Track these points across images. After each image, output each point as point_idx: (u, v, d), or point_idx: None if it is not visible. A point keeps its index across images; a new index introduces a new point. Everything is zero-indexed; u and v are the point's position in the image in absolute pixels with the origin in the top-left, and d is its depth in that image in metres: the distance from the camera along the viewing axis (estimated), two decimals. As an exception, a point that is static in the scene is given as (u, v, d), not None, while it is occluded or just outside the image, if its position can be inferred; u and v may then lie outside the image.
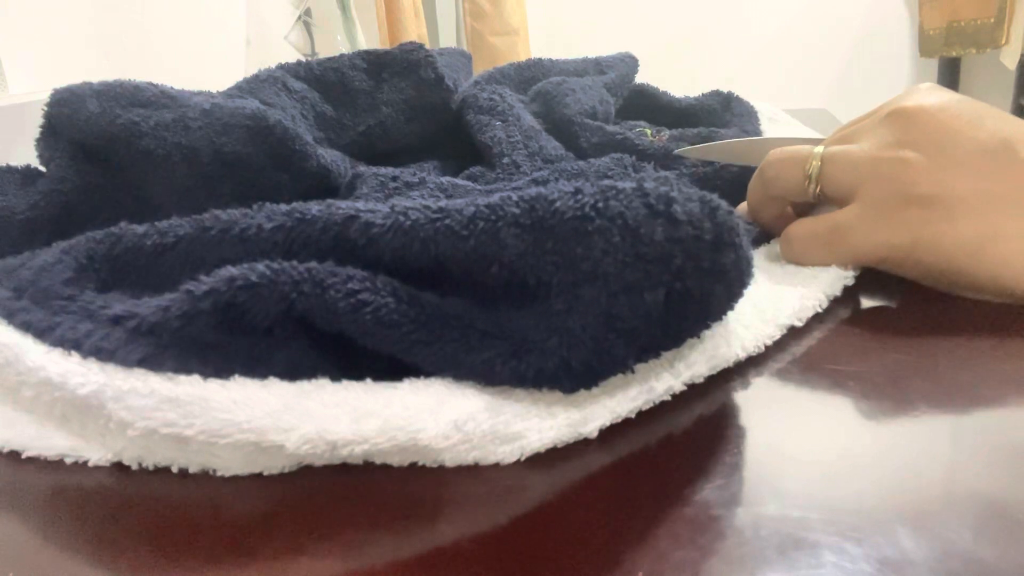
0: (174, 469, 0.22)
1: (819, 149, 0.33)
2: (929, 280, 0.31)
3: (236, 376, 0.22)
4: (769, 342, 0.28)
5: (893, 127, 0.32)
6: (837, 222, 0.32)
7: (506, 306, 0.23)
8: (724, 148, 0.46)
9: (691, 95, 0.66)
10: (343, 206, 0.24)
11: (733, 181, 0.42)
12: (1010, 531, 0.18)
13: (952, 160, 0.30)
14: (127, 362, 0.22)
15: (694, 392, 0.25)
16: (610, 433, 0.23)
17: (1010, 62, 1.70)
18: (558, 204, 0.22)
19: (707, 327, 0.24)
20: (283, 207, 0.25)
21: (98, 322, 0.23)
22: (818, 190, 0.33)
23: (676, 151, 0.49)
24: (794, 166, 0.34)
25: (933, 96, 0.32)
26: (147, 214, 0.29)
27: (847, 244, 0.32)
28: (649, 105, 0.66)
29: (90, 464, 0.23)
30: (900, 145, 0.31)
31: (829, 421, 0.24)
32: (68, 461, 0.23)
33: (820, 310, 0.31)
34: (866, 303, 0.32)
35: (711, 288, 0.22)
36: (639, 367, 0.24)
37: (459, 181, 0.42)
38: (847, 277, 0.32)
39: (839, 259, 0.32)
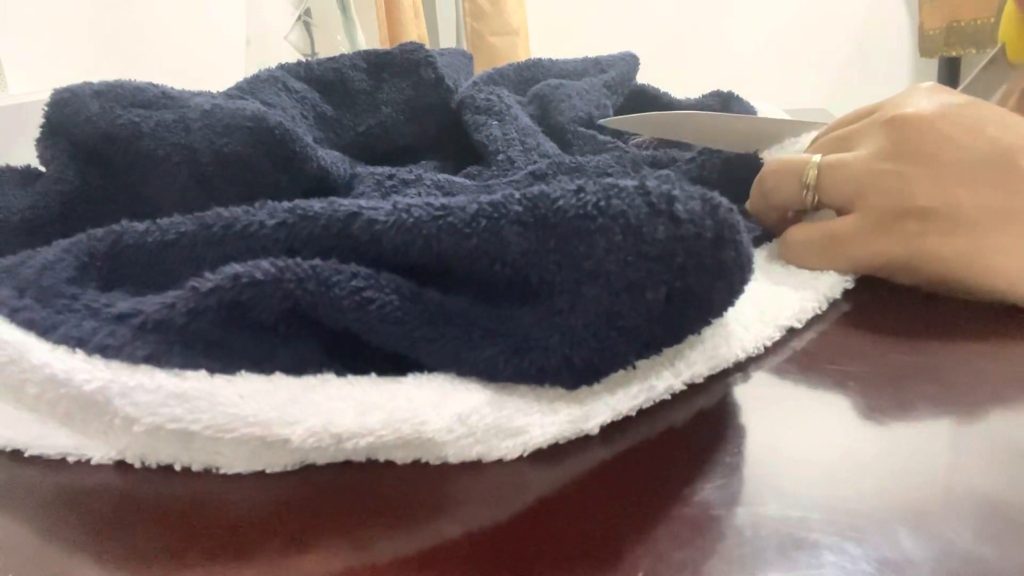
0: (177, 467, 0.22)
1: (816, 158, 0.33)
2: (925, 287, 0.31)
3: (242, 372, 0.22)
4: (769, 343, 0.28)
5: (891, 135, 0.31)
6: (834, 231, 0.32)
7: (508, 304, 0.23)
8: (655, 120, 0.46)
9: (692, 95, 0.66)
10: (345, 203, 0.24)
11: (722, 170, 0.42)
12: (1010, 531, 0.18)
13: (951, 172, 0.30)
14: (132, 359, 0.22)
15: (695, 390, 0.25)
16: (611, 430, 0.23)
17: (1009, 62, 1.70)
18: (561, 202, 0.22)
19: (708, 323, 0.24)
20: (285, 204, 0.25)
21: (102, 320, 0.23)
22: (816, 199, 0.33)
23: (600, 121, 0.49)
24: (791, 176, 0.34)
25: (933, 100, 0.32)
26: (147, 214, 0.29)
27: (844, 252, 0.32)
28: (650, 106, 0.66)
29: (93, 462, 0.23)
30: (898, 155, 0.31)
31: (829, 421, 0.24)
32: (71, 460, 0.23)
33: (820, 312, 0.31)
34: (866, 303, 0.32)
35: (712, 285, 0.22)
36: (640, 364, 0.24)
37: (456, 178, 0.43)
38: (847, 280, 0.32)
39: (835, 266, 0.32)
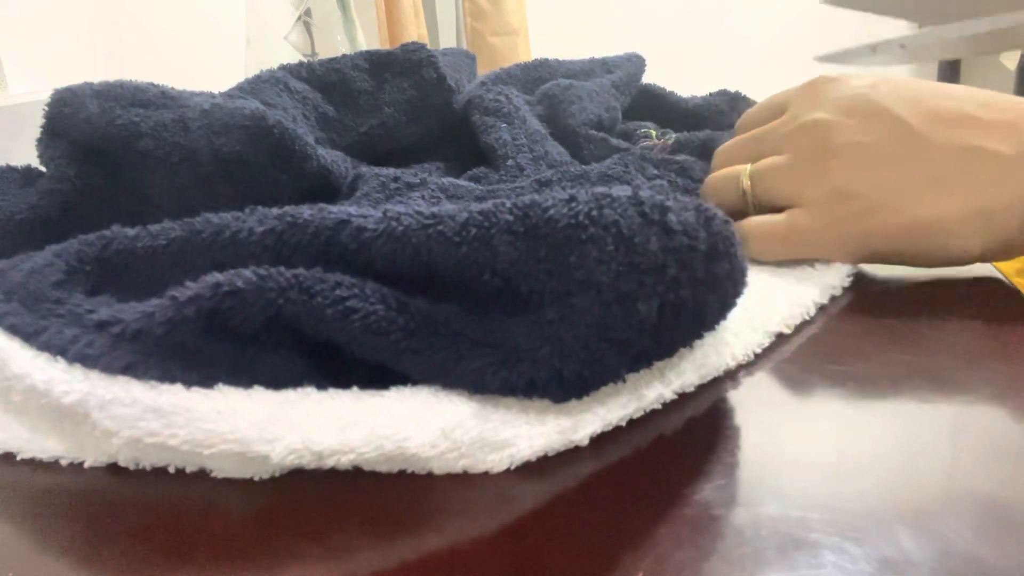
0: (171, 469, 0.22)
1: (747, 167, 0.36)
2: (888, 263, 0.34)
3: (220, 385, 0.22)
4: (758, 350, 0.28)
5: (809, 137, 0.34)
6: (793, 223, 0.34)
7: (498, 314, 0.23)
8: None
9: (697, 95, 0.66)
10: (335, 210, 0.24)
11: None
12: (1010, 531, 0.18)
13: (877, 157, 0.33)
14: (111, 369, 0.21)
15: (693, 392, 0.25)
16: (602, 440, 0.23)
17: (1010, 62, 1.70)
18: (552, 212, 0.22)
19: (700, 337, 0.24)
20: (275, 210, 0.25)
21: (84, 327, 0.23)
22: (756, 203, 0.36)
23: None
24: (728, 188, 0.37)
25: (837, 95, 0.35)
26: (147, 214, 0.29)
27: (805, 243, 0.34)
28: (656, 105, 0.65)
29: (86, 465, 0.23)
30: (822, 153, 0.34)
31: (829, 421, 0.24)
32: (64, 463, 0.23)
33: (808, 317, 0.31)
34: (865, 302, 0.32)
35: (705, 298, 0.22)
36: (630, 376, 0.23)
37: (460, 182, 0.42)
38: (835, 287, 0.33)
39: (799, 255, 0.34)
